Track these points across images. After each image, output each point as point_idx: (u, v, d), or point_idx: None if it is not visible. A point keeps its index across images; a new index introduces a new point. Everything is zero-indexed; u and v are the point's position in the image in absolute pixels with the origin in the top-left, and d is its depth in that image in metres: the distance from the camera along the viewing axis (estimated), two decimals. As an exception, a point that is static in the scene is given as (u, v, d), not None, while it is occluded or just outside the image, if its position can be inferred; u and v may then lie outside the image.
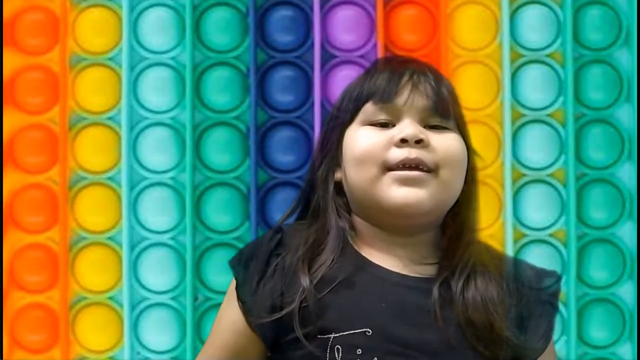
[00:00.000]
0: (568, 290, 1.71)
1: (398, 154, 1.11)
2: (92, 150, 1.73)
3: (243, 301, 1.12)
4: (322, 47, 1.73)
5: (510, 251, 1.70)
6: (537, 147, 1.72)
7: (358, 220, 1.16)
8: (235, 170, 1.72)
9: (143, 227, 1.72)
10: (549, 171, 1.72)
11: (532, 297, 1.13)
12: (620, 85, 1.73)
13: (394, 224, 1.13)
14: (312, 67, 1.72)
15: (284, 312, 1.09)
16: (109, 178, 1.72)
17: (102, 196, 1.72)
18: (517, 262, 1.21)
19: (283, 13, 1.74)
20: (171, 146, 1.73)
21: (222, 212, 1.72)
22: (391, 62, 1.21)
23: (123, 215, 1.71)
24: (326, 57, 1.73)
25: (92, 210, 1.72)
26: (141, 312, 1.70)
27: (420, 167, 1.11)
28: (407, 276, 1.12)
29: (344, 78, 1.71)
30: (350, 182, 1.14)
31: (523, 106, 1.73)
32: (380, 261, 1.13)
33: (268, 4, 1.74)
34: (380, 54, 1.71)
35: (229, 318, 1.14)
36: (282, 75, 1.73)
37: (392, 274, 1.12)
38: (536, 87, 1.74)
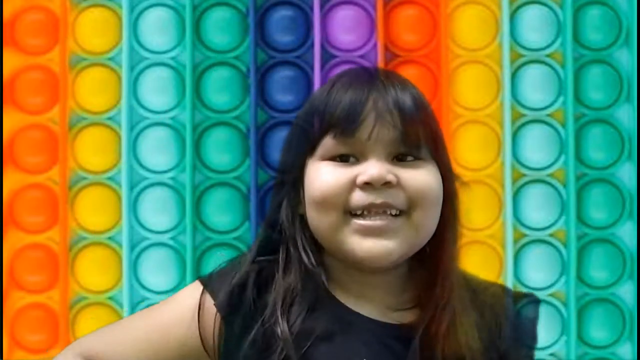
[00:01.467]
0: (568, 290, 1.71)
1: (361, 200, 1.01)
2: (92, 150, 1.73)
3: (223, 353, 1.05)
4: (322, 47, 1.73)
5: (510, 251, 1.70)
6: (537, 147, 1.72)
7: (329, 258, 1.07)
8: (235, 170, 1.72)
9: (143, 227, 1.71)
10: (549, 171, 1.72)
11: (510, 330, 1.06)
12: (620, 85, 1.73)
13: (361, 267, 1.04)
14: (312, 67, 1.72)
15: None
16: (109, 178, 1.72)
17: (102, 196, 1.72)
18: (490, 287, 1.12)
19: (283, 13, 1.74)
20: (171, 146, 1.73)
21: (222, 212, 1.72)
22: (353, 81, 1.06)
23: (123, 215, 1.70)
24: (326, 57, 1.73)
25: (92, 210, 1.72)
26: (141, 312, 1.70)
27: (388, 211, 1.02)
28: (387, 324, 1.04)
29: (344, 78, 1.71)
30: (312, 225, 1.05)
31: (523, 106, 1.73)
32: (356, 306, 1.05)
33: (268, 4, 1.74)
34: (380, 54, 1.71)
35: (180, 339, 1.07)
36: (282, 75, 1.73)
37: (372, 324, 1.04)
38: (536, 87, 1.74)
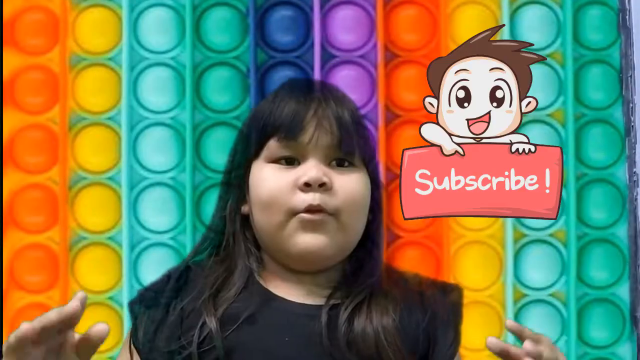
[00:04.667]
0: (568, 290, 1.71)
1: (302, 200, 1.11)
2: (92, 150, 1.73)
3: (139, 349, 1.12)
4: (322, 47, 1.73)
5: (510, 251, 1.71)
6: (537, 147, 1.72)
7: (266, 255, 1.17)
8: (235, 170, 1.73)
9: (143, 227, 1.72)
10: (549, 171, 1.72)
11: (437, 311, 1.14)
12: (620, 85, 1.73)
13: (298, 268, 1.14)
14: (312, 67, 1.72)
15: (182, 356, 1.08)
16: (109, 178, 1.73)
17: (102, 196, 1.72)
18: (419, 278, 1.20)
19: (283, 13, 1.74)
20: (171, 146, 1.73)
21: (222, 212, 1.72)
22: (296, 90, 1.18)
23: (123, 215, 1.71)
24: (326, 57, 1.73)
25: (92, 210, 1.72)
26: (141, 312, 1.71)
27: (322, 211, 1.12)
28: (310, 305, 1.13)
29: (344, 78, 1.71)
30: (257, 224, 1.15)
31: (523, 106, 1.73)
32: (285, 293, 1.14)
33: (268, 4, 1.74)
34: (380, 53, 1.72)
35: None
36: (282, 75, 1.73)
37: (295, 306, 1.13)
38: (536, 87, 1.72)
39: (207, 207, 1.72)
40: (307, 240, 1.11)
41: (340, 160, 1.14)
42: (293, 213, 1.12)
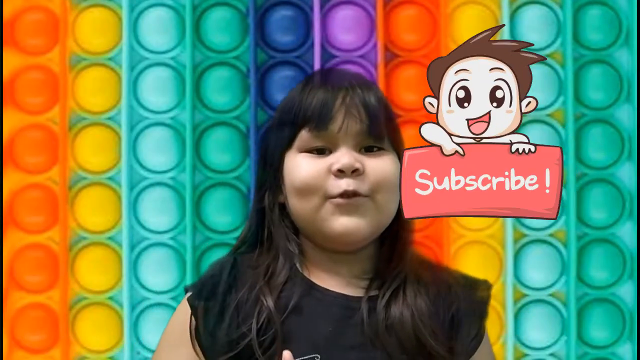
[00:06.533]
0: (568, 290, 1.71)
1: (337, 186, 1.14)
2: (92, 150, 1.73)
3: (200, 342, 1.15)
4: (322, 47, 1.73)
5: (510, 251, 1.71)
6: (537, 147, 1.72)
7: (305, 241, 1.20)
8: (235, 170, 1.73)
9: (143, 227, 1.72)
10: (549, 171, 1.72)
11: (463, 303, 1.17)
12: (620, 85, 1.73)
13: (336, 247, 1.17)
14: (312, 67, 1.72)
15: (242, 344, 1.12)
16: (109, 178, 1.73)
17: (102, 196, 1.72)
18: (450, 271, 1.24)
19: (283, 13, 1.74)
20: (171, 146, 1.73)
21: (222, 212, 1.72)
22: (324, 79, 1.22)
23: (123, 215, 1.71)
24: (326, 57, 1.73)
25: (92, 210, 1.72)
26: (141, 312, 1.70)
27: (357, 195, 1.15)
28: (350, 296, 1.16)
29: (344, 78, 1.71)
30: (293, 210, 1.18)
31: (523, 106, 1.73)
32: (325, 283, 1.17)
33: (268, 4, 1.74)
34: (380, 54, 1.72)
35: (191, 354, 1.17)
36: (282, 75, 1.73)
37: (336, 296, 1.16)
38: (536, 87, 1.73)
39: (207, 207, 1.72)
40: (343, 222, 1.15)
41: (370, 146, 1.17)
42: (328, 197, 1.15)
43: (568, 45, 1.72)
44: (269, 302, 1.13)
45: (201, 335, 1.15)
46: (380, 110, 1.17)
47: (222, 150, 1.73)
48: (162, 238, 1.72)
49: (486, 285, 1.20)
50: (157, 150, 1.73)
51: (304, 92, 1.19)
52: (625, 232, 1.72)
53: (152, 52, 1.74)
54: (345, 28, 1.74)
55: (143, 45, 1.74)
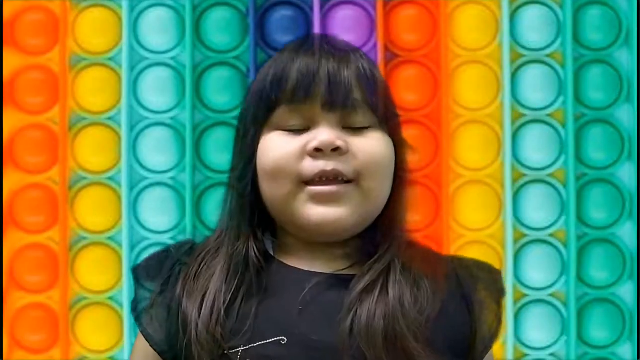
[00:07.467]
0: (568, 290, 1.71)
1: (313, 167, 0.99)
2: (92, 150, 1.73)
3: (141, 323, 1.06)
4: (322, 47, 1.73)
5: (510, 251, 1.70)
6: (537, 147, 1.72)
7: (281, 231, 1.06)
8: (235, 170, 1.72)
9: (143, 227, 1.72)
10: (549, 171, 1.72)
11: (478, 285, 1.06)
12: (620, 85, 1.73)
13: (313, 239, 1.03)
14: (312, 67, 1.72)
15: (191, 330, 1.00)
16: (109, 178, 1.72)
17: (102, 196, 1.72)
18: (456, 257, 1.14)
19: (283, 13, 1.74)
20: (171, 146, 1.73)
21: (222, 212, 1.72)
22: (301, 49, 1.04)
23: (123, 215, 1.71)
24: (326, 57, 1.73)
25: (92, 210, 1.72)
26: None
27: (339, 178, 1.00)
28: (326, 274, 1.02)
29: (344, 78, 1.71)
30: (265, 196, 1.03)
31: (523, 106, 1.73)
32: (298, 264, 1.03)
33: (268, 4, 1.74)
34: (380, 54, 1.72)
35: (140, 349, 1.08)
36: (282, 75, 1.73)
37: (309, 275, 1.02)
38: (536, 87, 1.74)
39: (207, 207, 1.72)
40: (322, 213, 0.99)
41: (359, 127, 1.02)
42: (302, 182, 1.00)
43: (568, 45, 1.72)
44: (220, 285, 0.99)
45: (157, 346, 1.04)
46: (367, 84, 1.03)
47: (222, 150, 1.73)
48: (162, 238, 1.72)
49: (500, 274, 1.10)
50: (157, 150, 1.73)
51: (279, 63, 1.03)
52: (625, 232, 1.72)
53: (152, 52, 1.74)
54: (345, 28, 1.74)
55: (143, 45, 1.74)
